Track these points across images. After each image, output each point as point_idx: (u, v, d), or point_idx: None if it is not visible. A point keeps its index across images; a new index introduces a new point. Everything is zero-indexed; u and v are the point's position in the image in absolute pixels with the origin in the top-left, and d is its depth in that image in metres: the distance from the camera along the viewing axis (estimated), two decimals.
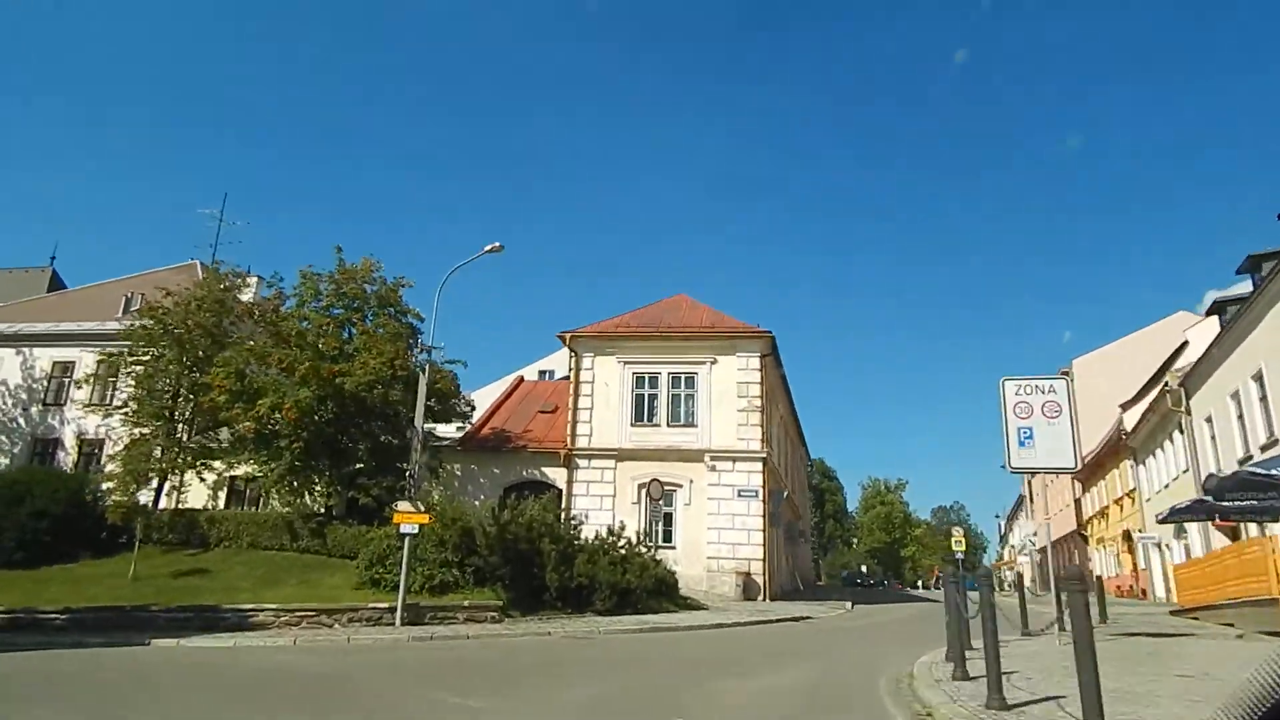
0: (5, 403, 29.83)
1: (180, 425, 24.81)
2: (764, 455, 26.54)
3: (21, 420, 29.68)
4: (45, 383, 30.09)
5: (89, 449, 28.53)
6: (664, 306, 30.45)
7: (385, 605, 17.09)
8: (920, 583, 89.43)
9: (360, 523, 22.16)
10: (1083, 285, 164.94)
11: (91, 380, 28.40)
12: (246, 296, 27.17)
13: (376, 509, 21.90)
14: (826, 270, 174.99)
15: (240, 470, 25.63)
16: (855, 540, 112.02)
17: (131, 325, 24.74)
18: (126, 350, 24.85)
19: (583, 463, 27.11)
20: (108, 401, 27.07)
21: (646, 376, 27.96)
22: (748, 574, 25.17)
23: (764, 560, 25.54)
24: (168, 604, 17.35)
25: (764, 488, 26.28)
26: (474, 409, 26.82)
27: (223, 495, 27.38)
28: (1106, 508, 45.16)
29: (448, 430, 27.69)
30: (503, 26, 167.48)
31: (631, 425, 27.44)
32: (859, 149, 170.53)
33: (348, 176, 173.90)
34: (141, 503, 23.71)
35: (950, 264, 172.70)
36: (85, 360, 29.53)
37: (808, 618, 20.26)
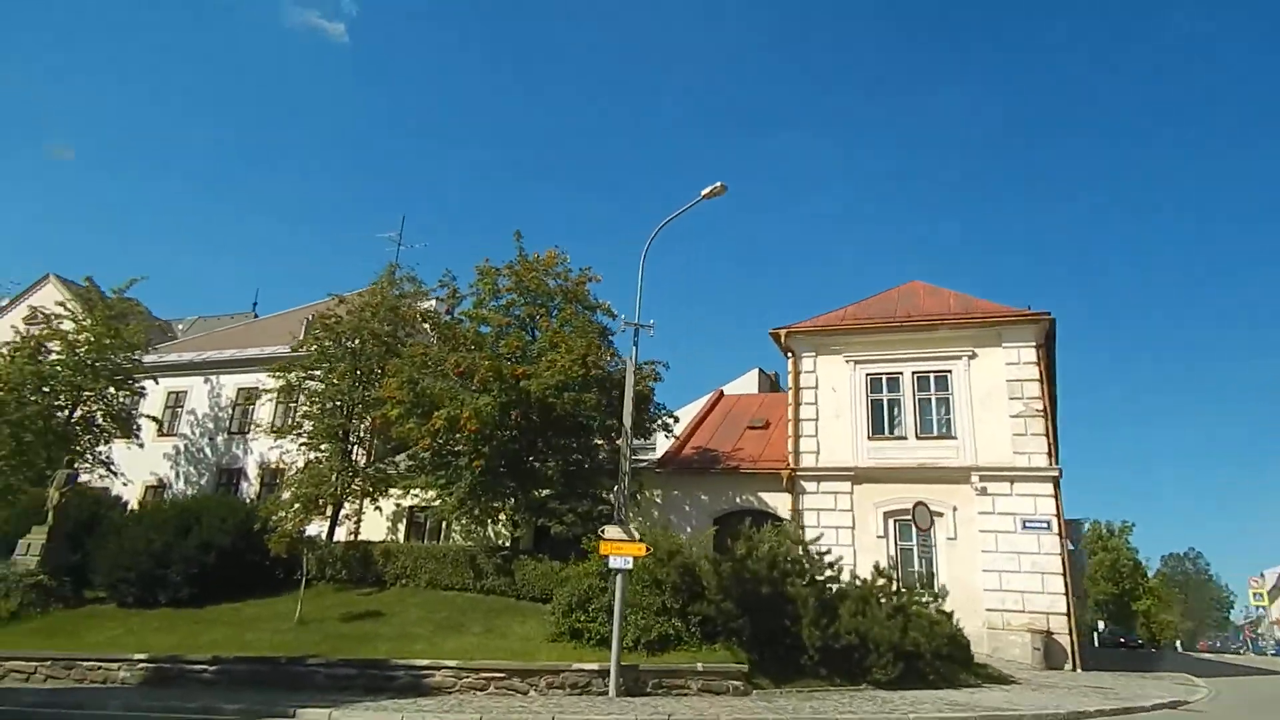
0: (193, 432, 28.97)
1: (355, 448, 22.22)
2: (1054, 474, 20.24)
3: (208, 450, 28.64)
4: (230, 410, 29.01)
5: (269, 478, 26.84)
6: (895, 296, 24.95)
7: (593, 667, 12.74)
8: (1179, 643, 75.32)
9: (551, 557, 18.29)
10: None
11: (272, 404, 26.82)
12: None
13: (572, 541, 17.99)
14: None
15: (416, 498, 22.65)
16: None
17: (305, 338, 22.62)
18: (301, 366, 22.69)
19: (810, 485, 21.95)
20: (285, 425, 25.20)
21: (885, 378, 22.51)
22: (1047, 633, 18.81)
23: (1068, 615, 19.09)
24: (330, 655, 13.91)
25: (1058, 517, 19.93)
26: (677, 421, 22.44)
27: (401, 528, 24.62)
28: None
29: (644, 448, 23.50)
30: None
31: (869, 439, 22.02)
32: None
33: (516, 191, 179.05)
34: (312, 534, 21.12)
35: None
36: (267, 385, 28.07)
37: (1184, 703, 13.86)
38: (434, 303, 24.53)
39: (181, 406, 29.59)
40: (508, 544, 20.48)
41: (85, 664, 13.84)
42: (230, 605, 18.44)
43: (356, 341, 21.83)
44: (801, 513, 21.64)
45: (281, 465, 25.68)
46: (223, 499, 21.05)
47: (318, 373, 22.16)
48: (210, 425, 28.96)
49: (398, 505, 24.24)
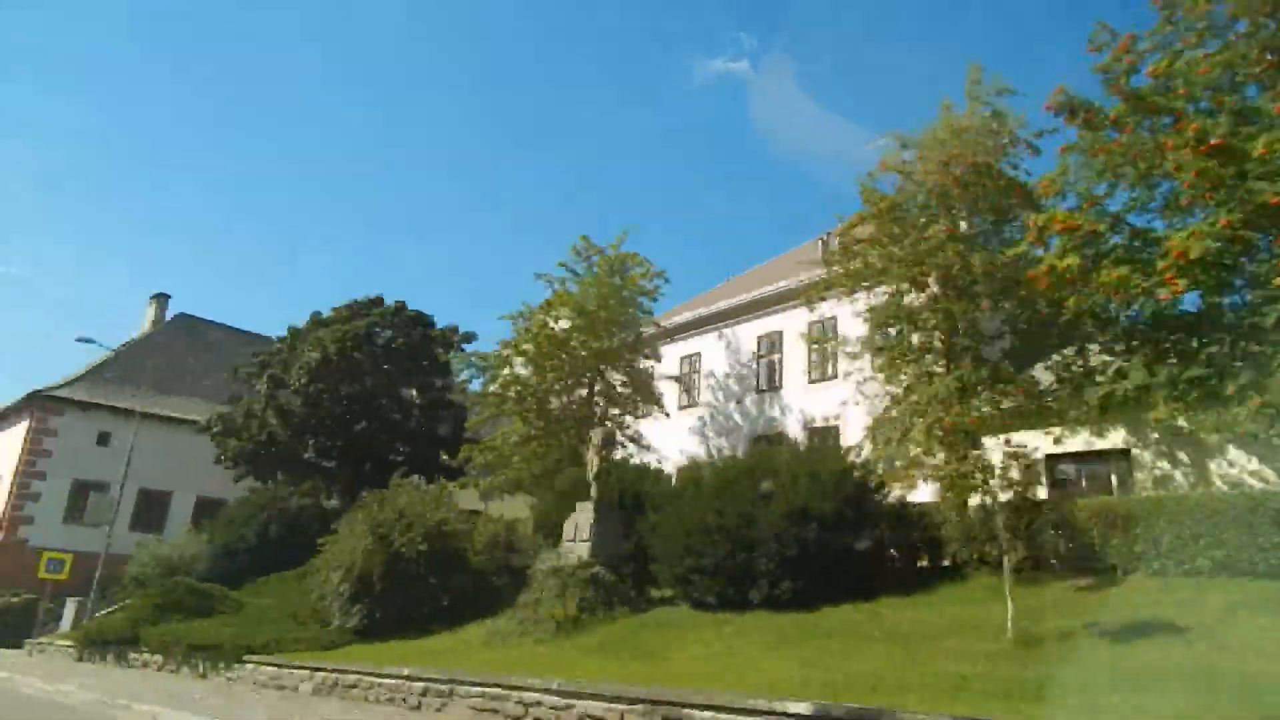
0: (716, 398, 23.95)
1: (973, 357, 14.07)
2: None
3: (736, 415, 23.33)
4: (754, 365, 23.37)
5: (818, 439, 20.19)
6: None
7: None
8: None
9: None
10: None
11: (807, 343, 20.42)
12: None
13: None
14: None
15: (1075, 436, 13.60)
16: None
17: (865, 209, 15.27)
18: (841, 267, 15.52)
19: None
20: (832, 364, 18.36)
21: None
22: None
23: None
24: None
25: None
26: None
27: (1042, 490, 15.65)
28: None
29: None
30: None
31: None
32: None
33: None
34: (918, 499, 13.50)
35: None
36: (792, 326, 21.87)
37: None
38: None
39: (697, 372, 24.96)
40: None
41: (698, 714, 7.48)
42: (855, 606, 11.40)
43: (943, 184, 13.73)
44: None
45: (835, 419, 18.90)
46: (807, 451, 14.40)
47: (882, 262, 14.61)
48: (735, 387, 23.66)
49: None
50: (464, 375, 23.68)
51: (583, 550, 13.84)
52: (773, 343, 22.96)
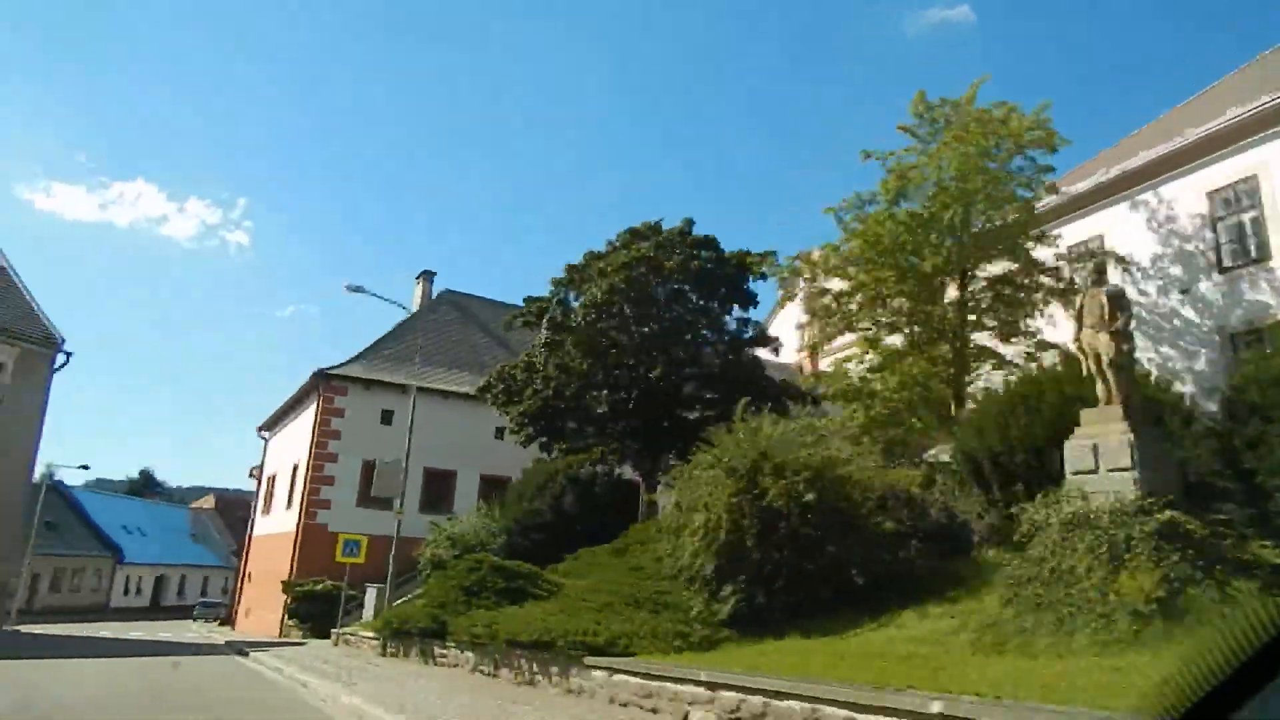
0: (1142, 291, 16.75)
1: None
2: None
3: (1187, 311, 16.06)
4: (1205, 236, 15.97)
5: None
6: None
7: None
8: None
9: None
10: None
11: None
12: None
13: None
14: None
15: None
16: None
17: None
18: None
19: None
20: None
21: None
22: None
23: None
24: None
25: None
26: None
27: None
28: None
29: None
30: None
31: None
32: None
33: None
34: None
35: None
36: (1263, 167, 14.39)
37: None
38: None
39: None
40: None
41: None
42: None
43: None
44: None
45: None
46: None
47: None
48: (1174, 271, 16.43)
49: None
50: (779, 294, 18.56)
51: (1122, 484, 8.00)
52: (1238, 197, 15.47)
